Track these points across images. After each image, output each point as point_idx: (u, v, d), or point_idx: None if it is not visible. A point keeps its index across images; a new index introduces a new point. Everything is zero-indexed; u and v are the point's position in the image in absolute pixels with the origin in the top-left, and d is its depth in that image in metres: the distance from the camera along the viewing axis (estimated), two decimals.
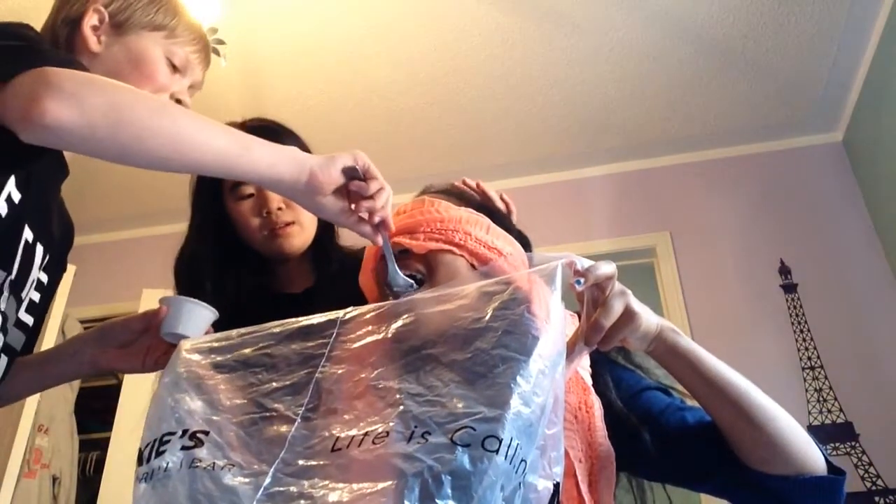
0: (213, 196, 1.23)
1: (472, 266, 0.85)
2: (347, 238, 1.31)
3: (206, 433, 0.68)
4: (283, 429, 0.66)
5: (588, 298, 0.74)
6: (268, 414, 0.68)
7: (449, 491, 0.53)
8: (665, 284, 2.96)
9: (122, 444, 2.84)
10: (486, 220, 0.90)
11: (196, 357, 0.77)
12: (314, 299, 0.80)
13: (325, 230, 1.27)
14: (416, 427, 0.59)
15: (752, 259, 2.96)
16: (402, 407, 0.62)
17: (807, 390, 2.66)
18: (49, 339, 2.70)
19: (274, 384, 0.71)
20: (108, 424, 2.93)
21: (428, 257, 0.85)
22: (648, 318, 0.74)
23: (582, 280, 0.70)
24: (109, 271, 3.50)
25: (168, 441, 0.68)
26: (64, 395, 3.06)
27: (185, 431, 0.69)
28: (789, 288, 2.88)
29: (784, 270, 2.92)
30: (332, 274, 1.22)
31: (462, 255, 0.85)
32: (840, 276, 2.87)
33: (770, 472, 0.73)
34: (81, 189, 3.32)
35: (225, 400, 0.72)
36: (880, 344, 2.71)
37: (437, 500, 0.53)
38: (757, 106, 2.99)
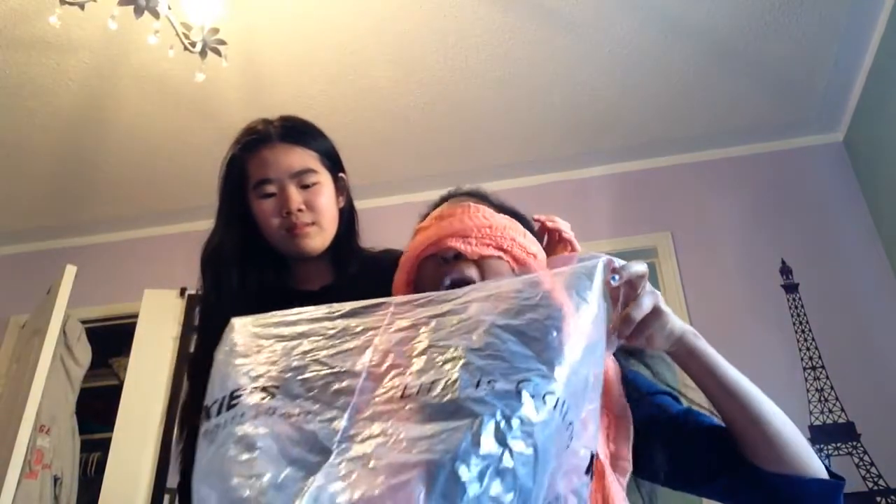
0: (238, 190, 1.24)
1: (513, 270, 0.91)
2: (367, 240, 1.33)
3: (277, 387, 0.69)
4: (351, 381, 0.68)
5: (622, 294, 0.78)
6: (333, 370, 0.69)
7: (518, 433, 0.56)
8: (666, 284, 2.96)
9: (123, 445, 2.84)
10: (521, 226, 0.96)
11: (252, 328, 0.78)
12: (332, 297, 0.80)
13: (348, 230, 1.28)
14: (481, 376, 0.62)
15: (754, 259, 2.96)
16: (464, 359, 0.64)
17: (808, 390, 2.66)
18: (50, 340, 2.71)
19: (335, 349, 0.72)
20: (109, 425, 2.93)
21: (480, 262, 0.91)
22: (674, 319, 0.80)
23: (617, 277, 0.75)
24: (110, 272, 3.50)
25: (239, 396, 0.69)
26: (65, 396, 3.07)
27: (255, 387, 0.70)
28: (790, 288, 2.88)
29: (785, 270, 2.92)
30: (352, 274, 1.23)
31: (508, 261, 0.92)
32: (841, 275, 2.87)
33: (778, 471, 0.77)
34: (82, 190, 3.32)
35: (289, 361, 0.72)
36: (882, 344, 2.71)
37: (508, 439, 0.55)
38: (758, 106, 2.99)
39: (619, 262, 0.77)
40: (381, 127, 3.02)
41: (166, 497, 2.72)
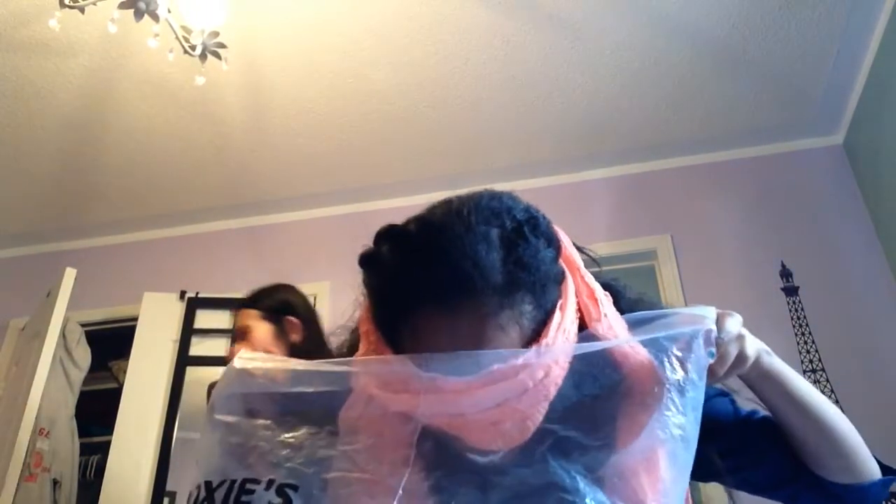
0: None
1: None
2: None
3: (296, 488, 0.60)
4: (383, 502, 0.58)
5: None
6: (364, 476, 0.60)
7: None
8: (666, 287, 2.96)
9: (122, 448, 2.84)
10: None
11: (263, 380, 0.68)
12: None
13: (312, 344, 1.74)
14: None
15: (753, 262, 2.96)
16: (529, 485, 0.57)
17: None
18: (50, 343, 2.71)
19: (369, 441, 0.62)
20: (108, 428, 2.93)
21: None
22: (750, 346, 0.73)
23: (714, 351, 0.67)
24: (110, 275, 3.50)
25: (252, 492, 0.60)
26: (65, 399, 3.06)
27: (271, 483, 0.61)
28: (790, 291, 2.88)
29: (785, 273, 2.91)
30: None
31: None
32: (841, 278, 2.87)
33: (844, 481, 0.78)
34: (82, 192, 3.32)
35: (312, 446, 0.63)
36: (882, 347, 2.71)
37: None
38: (757, 109, 2.99)
39: (717, 332, 0.68)
40: (380, 129, 3.03)
41: (165, 500, 2.72)
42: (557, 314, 0.64)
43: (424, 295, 0.62)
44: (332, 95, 2.83)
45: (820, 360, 2.71)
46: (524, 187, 3.27)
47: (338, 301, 3.11)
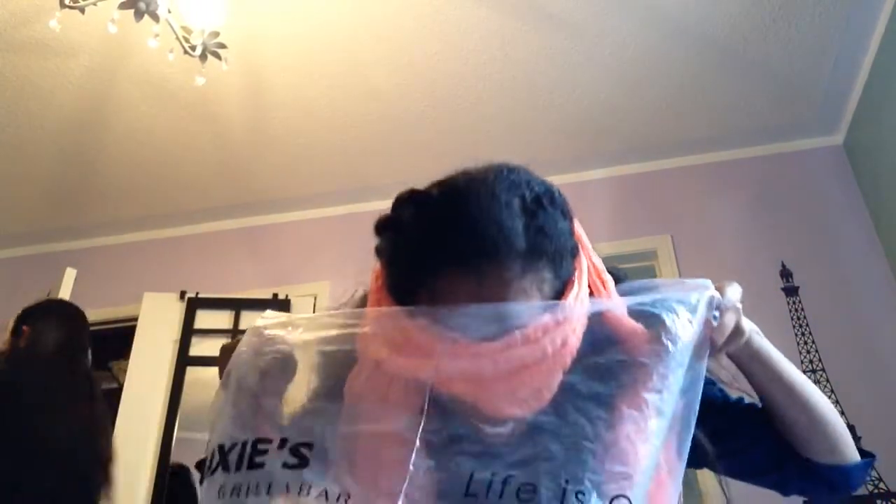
0: None
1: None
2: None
3: (310, 446, 0.59)
4: (401, 453, 0.57)
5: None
6: (379, 429, 0.59)
7: None
8: None
9: (122, 448, 2.83)
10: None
11: (281, 333, 0.67)
12: None
13: None
14: (567, 484, 0.55)
15: (754, 262, 2.96)
16: (546, 450, 0.56)
17: None
18: None
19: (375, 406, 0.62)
20: None
21: None
22: (745, 324, 0.74)
23: (717, 314, 0.69)
24: (110, 275, 3.50)
25: (265, 452, 0.59)
26: None
27: (284, 441, 0.59)
28: (791, 291, 2.88)
29: (785, 273, 2.91)
30: None
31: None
32: (841, 278, 2.87)
33: (830, 462, 0.79)
34: (82, 192, 3.32)
35: (325, 400, 0.63)
36: (882, 347, 2.71)
37: None
38: (758, 109, 3.00)
39: (719, 299, 0.71)
40: (380, 130, 3.03)
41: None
42: (576, 286, 0.65)
43: (449, 258, 0.62)
44: (332, 95, 2.83)
45: (820, 360, 2.71)
46: None
47: (338, 301, 3.11)
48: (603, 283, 0.71)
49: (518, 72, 2.75)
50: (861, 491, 2.48)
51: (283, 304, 3.10)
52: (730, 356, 0.77)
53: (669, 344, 0.62)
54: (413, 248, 0.65)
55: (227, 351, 0.73)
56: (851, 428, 2.58)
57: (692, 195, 3.18)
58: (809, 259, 2.92)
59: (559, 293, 0.64)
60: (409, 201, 0.68)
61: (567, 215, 0.69)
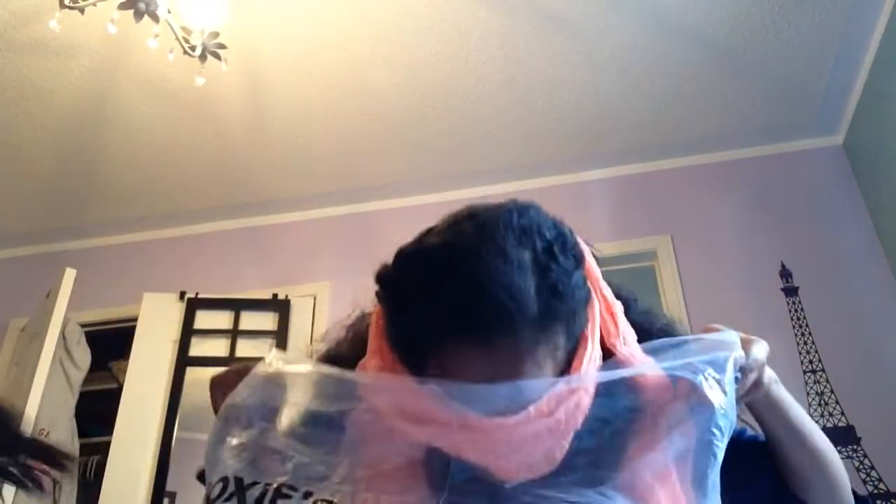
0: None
1: None
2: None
3: (293, 488, 0.60)
4: None
5: None
6: (403, 500, 0.59)
7: None
8: (666, 287, 2.96)
9: (122, 448, 2.84)
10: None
11: (301, 369, 0.66)
12: None
13: None
14: None
15: (753, 262, 2.96)
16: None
17: (808, 394, 2.66)
18: (50, 343, 2.71)
19: (376, 456, 0.62)
20: (108, 428, 2.93)
21: None
22: (766, 376, 0.73)
23: (740, 376, 0.67)
24: (110, 275, 3.50)
25: (289, 497, 0.59)
26: (65, 399, 3.06)
27: (308, 495, 0.59)
28: (790, 291, 2.88)
29: (785, 274, 2.92)
30: None
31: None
32: (841, 279, 2.87)
33: None
34: (82, 192, 3.32)
35: (342, 456, 0.61)
36: (882, 347, 2.71)
37: None
38: (757, 109, 3.00)
39: (744, 360, 0.68)
40: (380, 130, 3.03)
41: (165, 500, 2.72)
42: (589, 345, 0.63)
43: (457, 328, 0.59)
44: (332, 96, 2.83)
45: (820, 360, 2.71)
46: (524, 187, 3.27)
47: (338, 301, 3.11)
48: (614, 317, 0.68)
49: (518, 72, 2.75)
50: (861, 491, 2.48)
51: (282, 305, 3.10)
52: (746, 404, 0.76)
53: (696, 407, 0.62)
54: (417, 314, 0.62)
55: (217, 385, 0.71)
56: (851, 428, 2.58)
57: (692, 195, 3.18)
58: (809, 259, 2.92)
59: (572, 352, 0.62)
60: (410, 259, 0.64)
61: (579, 259, 0.66)
